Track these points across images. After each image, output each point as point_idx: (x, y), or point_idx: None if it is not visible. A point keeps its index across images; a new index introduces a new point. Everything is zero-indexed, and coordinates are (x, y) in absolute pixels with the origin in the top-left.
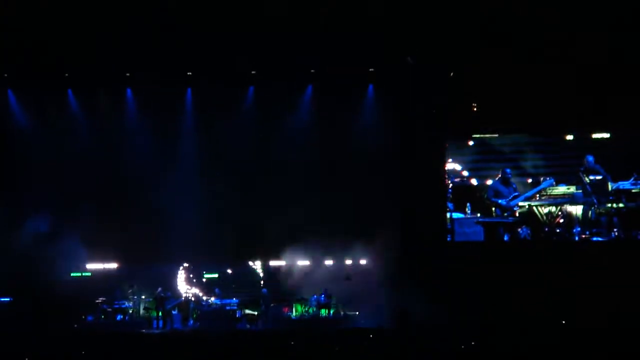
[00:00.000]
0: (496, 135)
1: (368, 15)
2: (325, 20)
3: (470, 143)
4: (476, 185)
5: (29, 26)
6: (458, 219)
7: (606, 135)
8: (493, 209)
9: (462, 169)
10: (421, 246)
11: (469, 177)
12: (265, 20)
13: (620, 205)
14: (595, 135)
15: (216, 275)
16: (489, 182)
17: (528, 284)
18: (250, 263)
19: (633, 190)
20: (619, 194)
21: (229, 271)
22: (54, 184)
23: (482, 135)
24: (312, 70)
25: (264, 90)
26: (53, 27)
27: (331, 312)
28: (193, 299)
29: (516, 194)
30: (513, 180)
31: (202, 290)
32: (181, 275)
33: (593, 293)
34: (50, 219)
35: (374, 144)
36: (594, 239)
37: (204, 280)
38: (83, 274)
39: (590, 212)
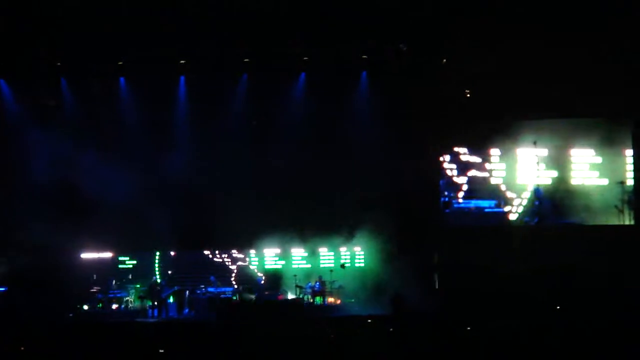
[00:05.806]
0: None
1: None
2: (318, 6)
3: None
4: None
5: (22, 14)
6: None
7: None
8: None
9: None
10: (416, 232)
11: None
12: (257, 7)
13: None
14: None
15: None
16: None
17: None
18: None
19: None
20: None
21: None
22: (46, 171)
23: None
24: (305, 58)
25: (257, 78)
26: (45, 15)
27: (325, 300)
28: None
29: None
30: None
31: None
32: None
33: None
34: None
35: (368, 130)
36: None
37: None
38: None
39: None
